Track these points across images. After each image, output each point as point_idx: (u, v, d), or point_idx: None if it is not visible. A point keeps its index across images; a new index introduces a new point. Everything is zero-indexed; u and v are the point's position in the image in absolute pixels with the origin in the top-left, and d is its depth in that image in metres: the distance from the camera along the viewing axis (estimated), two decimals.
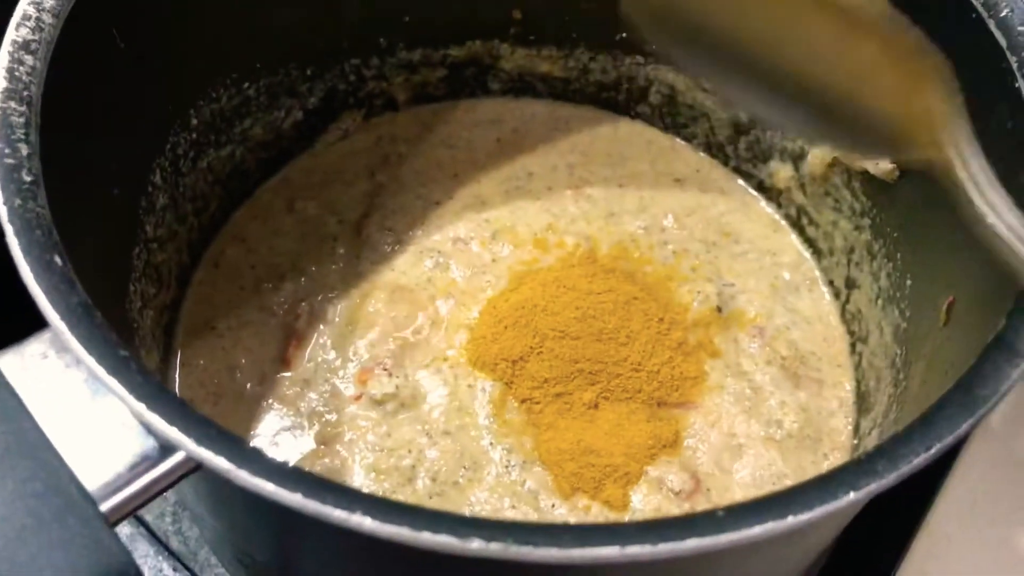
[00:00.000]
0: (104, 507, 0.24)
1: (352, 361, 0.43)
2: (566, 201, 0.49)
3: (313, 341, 0.44)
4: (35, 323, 0.27)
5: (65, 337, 0.24)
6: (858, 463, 0.24)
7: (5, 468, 0.24)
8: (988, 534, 0.48)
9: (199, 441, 0.23)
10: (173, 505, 0.45)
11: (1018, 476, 0.50)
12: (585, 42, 0.49)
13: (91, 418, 0.26)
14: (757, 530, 0.22)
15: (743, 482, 0.41)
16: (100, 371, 0.23)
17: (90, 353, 0.24)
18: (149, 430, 0.26)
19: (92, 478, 0.25)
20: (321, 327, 0.44)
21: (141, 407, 0.23)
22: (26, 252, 0.25)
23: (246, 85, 0.43)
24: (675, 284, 0.46)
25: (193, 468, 0.25)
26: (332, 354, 0.43)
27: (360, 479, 0.40)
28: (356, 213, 0.48)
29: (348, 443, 0.41)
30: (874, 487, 0.23)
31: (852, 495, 0.23)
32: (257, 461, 0.23)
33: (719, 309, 0.45)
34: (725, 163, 0.50)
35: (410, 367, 0.43)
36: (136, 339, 0.37)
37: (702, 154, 0.50)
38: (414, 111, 0.51)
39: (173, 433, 0.23)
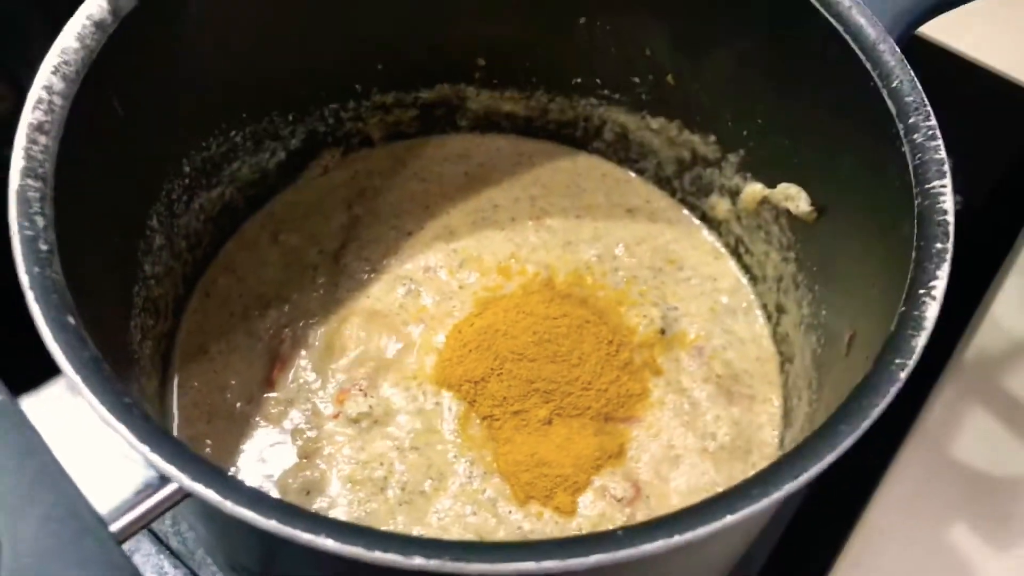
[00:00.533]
0: (114, 528, 0.29)
1: (331, 382, 0.48)
2: (528, 231, 0.54)
3: (295, 364, 0.48)
4: (50, 368, 0.32)
5: (79, 388, 0.29)
6: (738, 489, 0.29)
7: (32, 498, 0.29)
8: (922, 530, 0.53)
9: (192, 477, 0.28)
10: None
11: (950, 476, 0.55)
12: (544, 85, 0.53)
13: (100, 452, 0.31)
14: (649, 547, 0.27)
15: (679, 490, 0.46)
16: (110, 418, 0.28)
17: (101, 402, 0.29)
18: (151, 465, 0.31)
19: (103, 503, 0.30)
20: (303, 351, 0.49)
21: (144, 448, 0.28)
22: (45, 314, 0.30)
23: (233, 133, 0.48)
24: (624, 308, 0.50)
25: (187, 495, 0.30)
26: (312, 376, 0.48)
27: (337, 489, 0.45)
28: (335, 244, 0.52)
29: (327, 457, 0.46)
30: (748, 511, 0.28)
31: (729, 518, 0.28)
32: (239, 491, 0.28)
33: (663, 331, 0.50)
34: (672, 195, 0.55)
35: (383, 387, 0.48)
36: (137, 368, 0.42)
37: (652, 186, 0.55)
38: (388, 147, 0.56)
39: (171, 471, 0.28)
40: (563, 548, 0.27)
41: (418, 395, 0.47)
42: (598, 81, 0.52)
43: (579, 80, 0.53)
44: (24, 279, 0.31)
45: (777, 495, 0.29)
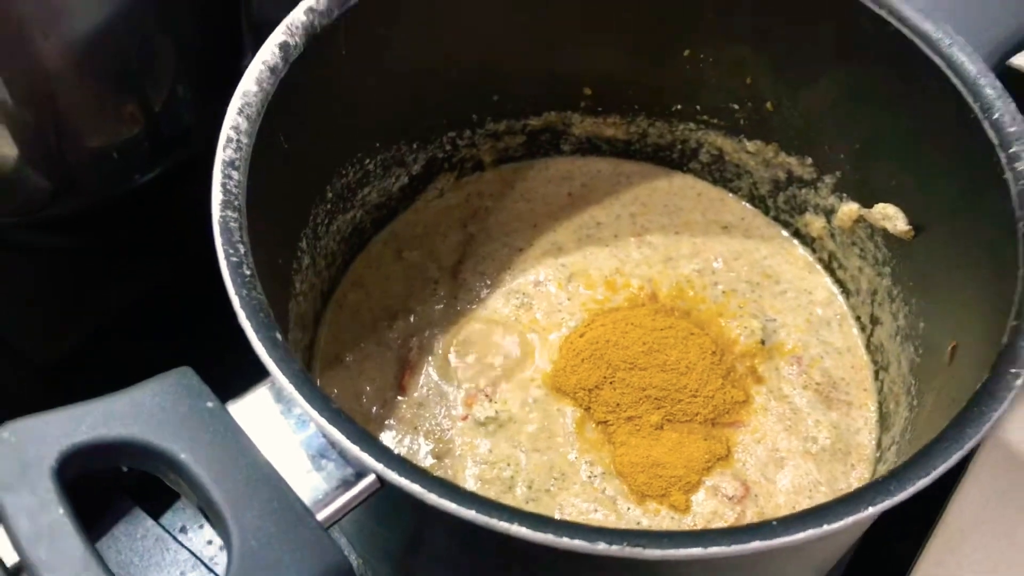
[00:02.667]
0: (320, 517, 0.34)
1: (457, 388, 0.52)
2: (630, 247, 0.57)
3: (423, 370, 0.53)
4: (252, 376, 0.36)
5: (295, 398, 0.33)
6: (875, 485, 0.33)
7: (251, 492, 0.33)
8: (998, 531, 0.55)
9: (399, 473, 0.32)
10: None
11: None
12: (645, 112, 0.57)
13: (300, 452, 0.35)
14: (800, 536, 0.31)
15: (784, 489, 0.49)
16: (322, 421, 0.32)
17: (313, 407, 0.33)
18: (347, 460, 0.35)
19: (308, 496, 0.34)
20: (429, 358, 0.53)
21: (355, 448, 0.32)
22: (257, 332, 0.34)
23: (367, 161, 0.52)
24: (725, 320, 0.54)
25: (378, 489, 0.35)
26: (439, 381, 0.52)
27: (470, 486, 0.49)
28: (452, 260, 0.57)
29: (458, 457, 0.50)
30: (887, 503, 0.32)
31: (870, 509, 0.31)
32: (439, 484, 0.32)
33: (763, 342, 0.53)
34: (766, 213, 0.58)
35: (505, 393, 0.51)
36: None
37: (746, 205, 0.59)
38: (497, 171, 0.60)
39: (378, 467, 0.32)
40: (726, 536, 0.31)
41: (537, 401, 0.51)
42: (698, 108, 0.56)
43: (679, 107, 0.56)
44: (235, 300, 0.35)
45: (917, 486, 0.32)
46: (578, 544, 0.30)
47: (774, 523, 0.31)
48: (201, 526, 0.60)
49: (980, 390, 0.35)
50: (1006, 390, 0.34)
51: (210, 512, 0.33)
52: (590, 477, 0.49)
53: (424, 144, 0.55)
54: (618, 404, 0.50)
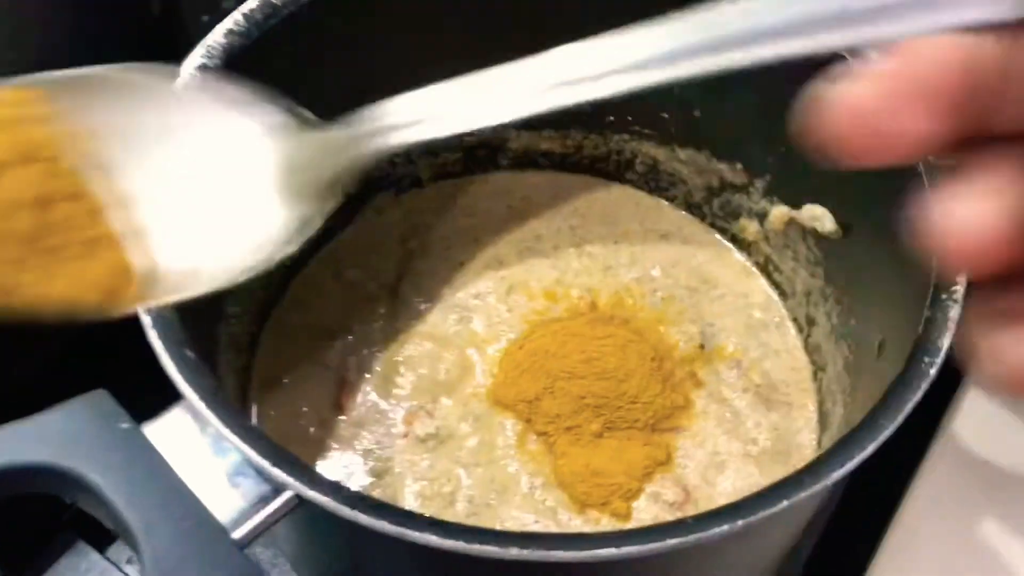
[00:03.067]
0: (236, 535, 0.33)
1: (397, 405, 0.51)
2: (570, 258, 0.57)
3: (362, 389, 0.52)
4: (167, 397, 0.36)
5: (204, 413, 0.33)
6: (790, 479, 0.33)
7: (164, 513, 0.33)
8: (954, 528, 0.56)
9: (310, 486, 0.31)
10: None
11: (979, 474, 0.58)
12: (579, 125, 0.57)
13: (217, 470, 0.35)
14: (715, 531, 0.31)
15: (726, 492, 0.49)
16: (233, 438, 0.32)
17: (224, 424, 0.32)
18: (264, 477, 0.34)
19: (224, 514, 0.34)
20: (367, 376, 0.53)
21: (265, 463, 0.32)
22: (167, 349, 0.34)
23: None
24: (664, 327, 0.54)
25: (296, 505, 0.34)
26: (378, 399, 0.52)
27: (411, 503, 0.48)
28: (392, 277, 0.56)
29: (398, 475, 0.49)
30: (802, 495, 0.32)
31: (784, 503, 0.31)
32: (351, 496, 0.31)
33: (702, 346, 0.53)
34: (703, 220, 0.58)
35: (445, 409, 0.51)
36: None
37: (683, 212, 0.59)
38: (436, 186, 0.60)
39: (290, 481, 0.31)
40: (641, 535, 0.31)
41: (478, 415, 0.51)
42: (629, 118, 0.56)
43: (612, 118, 0.57)
44: (146, 319, 0.35)
45: (827, 481, 0.32)
46: (490, 550, 0.30)
47: (689, 521, 0.31)
48: None
49: (896, 380, 0.35)
50: (920, 379, 0.35)
51: (124, 535, 0.33)
52: (531, 488, 0.49)
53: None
54: (558, 415, 0.50)
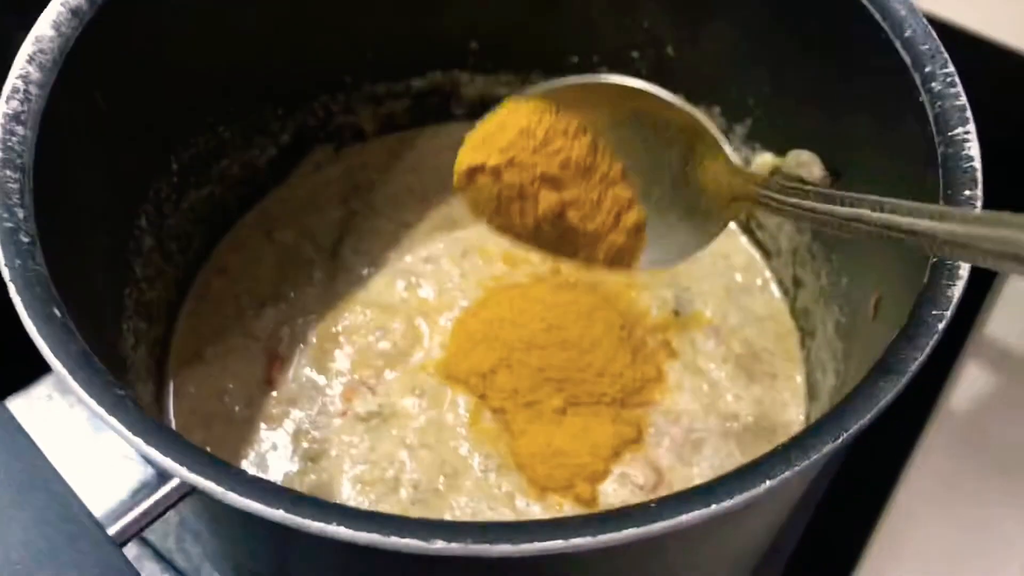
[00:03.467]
0: (112, 531, 0.27)
1: (334, 380, 0.46)
2: None
3: (295, 362, 0.47)
4: (39, 367, 0.30)
5: (68, 382, 0.27)
6: (774, 454, 0.27)
7: (22, 501, 0.27)
8: (951, 510, 0.51)
9: (192, 468, 0.26)
10: (176, 526, 0.48)
11: (976, 453, 0.54)
12: (540, 66, 0.52)
13: (95, 451, 0.29)
14: (685, 518, 0.25)
15: (703, 474, 0.44)
16: (100, 411, 0.26)
17: (91, 395, 0.27)
18: (147, 460, 0.29)
19: (99, 505, 0.28)
20: (302, 347, 0.47)
21: (139, 441, 0.26)
22: (28, 307, 0.28)
23: (221, 128, 0.46)
24: (635, 292, 0.49)
25: (187, 492, 0.28)
26: (313, 374, 0.46)
27: (347, 491, 0.43)
28: (331, 238, 0.51)
29: (334, 458, 0.44)
30: (787, 474, 0.26)
31: (767, 483, 0.26)
32: (243, 483, 0.26)
33: (676, 312, 0.48)
34: None
35: (390, 384, 0.46)
36: (131, 374, 0.40)
37: None
38: (382, 140, 0.54)
39: (168, 463, 0.26)
40: (593, 523, 0.25)
41: (426, 391, 0.45)
42: (595, 59, 0.51)
43: (576, 59, 0.51)
44: (5, 272, 0.29)
45: (816, 457, 0.27)
46: (410, 543, 0.25)
47: (652, 504, 0.26)
48: None
49: (898, 337, 0.29)
50: (927, 334, 0.29)
51: None
52: (484, 472, 0.43)
53: (290, 110, 0.49)
54: (515, 389, 0.44)
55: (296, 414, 0.45)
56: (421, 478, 0.43)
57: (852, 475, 0.53)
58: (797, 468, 0.26)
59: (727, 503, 0.26)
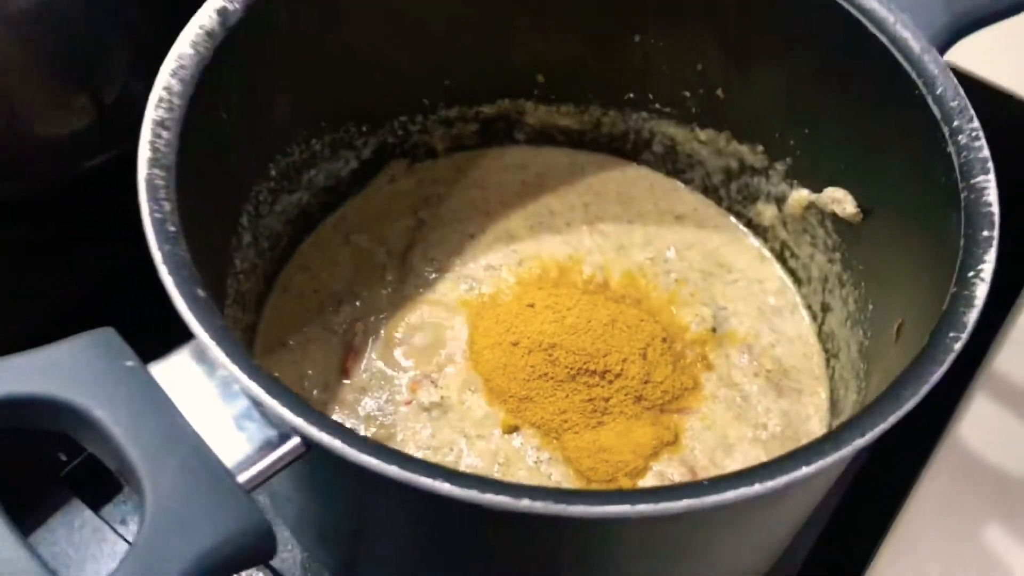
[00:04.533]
0: (240, 479, 0.32)
1: (401, 372, 0.51)
2: (583, 235, 0.57)
3: (367, 355, 0.51)
4: (168, 339, 0.35)
5: (214, 353, 0.32)
6: (809, 446, 0.32)
7: (169, 449, 0.32)
8: (957, 531, 0.55)
9: (319, 427, 0.31)
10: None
11: (983, 478, 0.57)
12: (599, 100, 0.57)
13: (223, 414, 0.34)
14: (730, 494, 0.30)
15: None
16: (242, 376, 0.31)
17: (234, 363, 0.32)
18: (270, 422, 0.34)
19: (230, 457, 0.33)
20: (373, 343, 0.52)
21: (274, 402, 0.31)
22: (178, 287, 0.33)
23: (314, 142, 0.51)
24: (676, 308, 0.53)
25: (302, 452, 0.33)
26: (384, 366, 0.51)
27: None
28: (402, 245, 0.56)
29: (400, 442, 0.48)
30: (822, 463, 0.31)
31: (804, 469, 0.31)
32: (362, 441, 0.30)
33: (714, 329, 0.53)
34: (719, 203, 0.58)
35: (451, 378, 0.50)
36: None
37: (699, 195, 0.58)
38: (451, 158, 0.59)
39: (299, 422, 0.31)
40: (655, 494, 0.30)
41: (481, 388, 0.50)
42: (650, 96, 0.56)
43: (632, 95, 0.56)
44: (157, 255, 0.34)
45: (845, 450, 0.31)
46: (503, 500, 0.29)
47: (705, 482, 0.30)
48: None
49: (919, 354, 0.34)
50: (944, 353, 0.34)
51: (125, 473, 0.32)
52: (536, 463, 0.48)
53: (374, 128, 0.55)
54: (562, 409, 0.49)
55: (367, 401, 0.50)
56: (478, 464, 0.48)
57: (860, 495, 0.57)
58: (830, 458, 0.31)
59: (770, 483, 0.30)
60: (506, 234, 0.57)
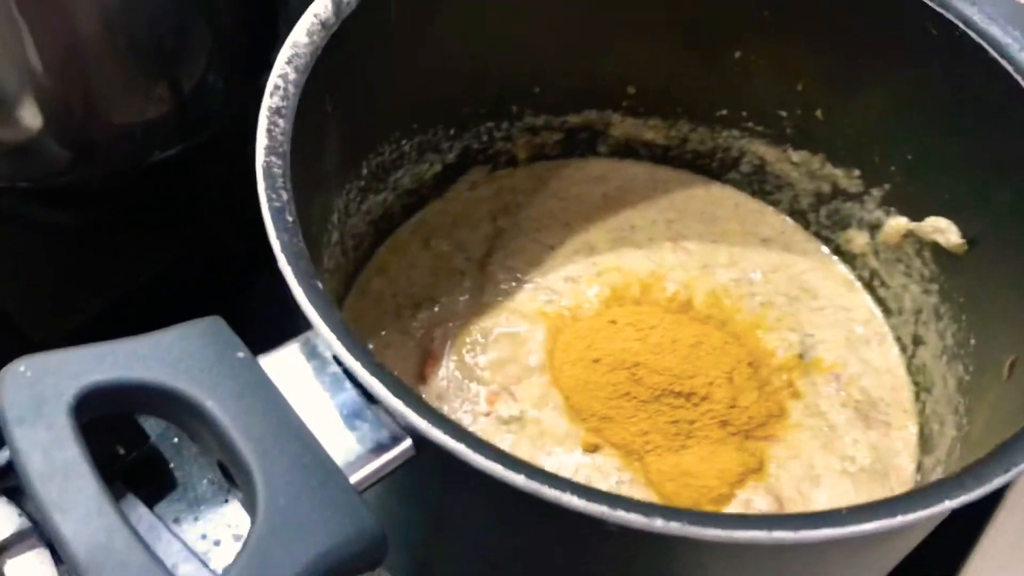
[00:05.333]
0: (352, 480, 0.31)
1: (479, 383, 0.49)
2: (666, 251, 0.55)
3: (445, 362, 0.50)
4: (284, 332, 0.34)
5: (336, 347, 0.31)
6: (950, 480, 0.30)
7: (280, 446, 0.31)
8: None
9: (439, 428, 0.29)
10: None
11: None
12: (688, 115, 0.56)
13: (334, 412, 0.33)
14: (870, 526, 0.29)
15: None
16: (363, 373, 0.30)
17: (355, 357, 0.31)
18: (382, 423, 0.32)
19: (341, 457, 0.32)
20: (452, 350, 0.51)
21: (398, 403, 0.30)
22: (298, 277, 0.32)
23: (404, 142, 0.51)
24: (762, 332, 0.52)
25: (413, 456, 0.32)
26: (462, 374, 0.50)
27: None
28: (480, 252, 0.55)
29: None
30: (964, 498, 0.30)
31: (947, 503, 0.29)
32: (487, 448, 0.29)
33: (801, 356, 0.51)
34: (806, 227, 0.56)
35: (531, 391, 0.49)
36: None
37: (786, 218, 0.57)
38: (531, 167, 0.58)
39: (417, 420, 0.29)
40: (792, 521, 0.29)
41: (561, 405, 0.49)
42: (743, 114, 0.54)
43: (724, 112, 0.55)
44: (276, 244, 0.33)
45: (989, 486, 0.30)
46: (634, 519, 0.28)
47: (843, 511, 0.29)
48: (196, 518, 0.56)
49: None
50: None
51: (234, 466, 0.31)
52: (618, 483, 0.47)
53: (460, 132, 0.54)
54: (648, 412, 0.48)
55: (446, 409, 0.48)
56: None
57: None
58: (965, 496, 0.30)
59: (910, 516, 0.29)
60: (586, 247, 0.55)
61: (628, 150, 0.59)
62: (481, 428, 0.48)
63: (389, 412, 0.31)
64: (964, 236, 0.47)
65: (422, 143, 0.52)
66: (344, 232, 0.48)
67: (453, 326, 0.51)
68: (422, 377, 0.50)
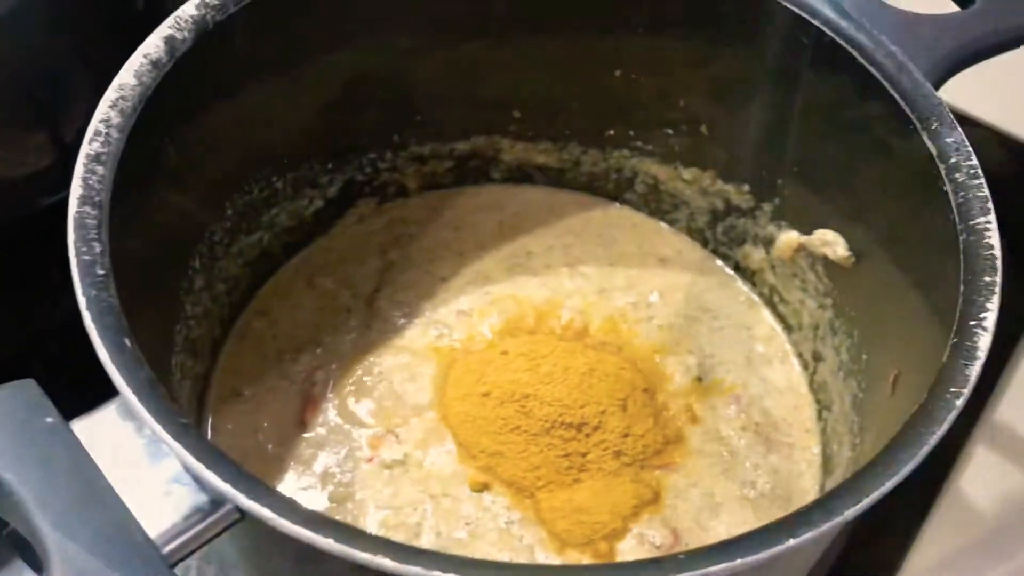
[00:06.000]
0: (164, 551, 0.29)
1: (363, 426, 0.47)
2: (562, 277, 0.54)
3: (328, 406, 0.48)
4: (101, 394, 0.32)
5: (136, 408, 0.29)
6: (797, 515, 0.29)
7: (83, 516, 0.28)
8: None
9: (249, 495, 0.27)
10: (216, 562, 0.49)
11: (982, 534, 0.54)
12: (578, 137, 0.54)
13: (151, 476, 0.31)
14: (707, 570, 0.27)
15: (719, 537, 0.44)
16: (166, 436, 0.28)
17: (157, 421, 0.28)
18: (202, 486, 0.30)
19: (153, 526, 0.29)
20: (333, 394, 0.48)
21: (200, 467, 0.28)
22: (102, 335, 0.30)
23: (275, 179, 0.49)
24: (660, 356, 0.50)
25: (238, 519, 0.30)
26: (344, 419, 0.48)
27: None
28: (369, 288, 0.53)
29: (359, 502, 0.45)
30: (811, 535, 0.28)
31: (792, 541, 0.27)
32: (296, 511, 0.27)
33: (700, 379, 0.50)
34: (704, 245, 0.55)
35: (416, 433, 0.47)
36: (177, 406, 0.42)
37: (684, 237, 0.56)
38: (423, 197, 0.56)
39: (227, 489, 0.27)
40: (626, 570, 0.27)
41: (449, 443, 0.47)
42: (631, 133, 0.53)
43: (612, 132, 0.53)
44: (82, 300, 0.31)
45: (837, 520, 0.28)
46: None
47: (681, 556, 0.27)
48: None
49: (917, 412, 0.31)
50: (945, 411, 0.31)
51: (33, 541, 0.29)
52: (507, 524, 0.45)
53: (340, 165, 0.52)
54: (538, 446, 0.46)
55: (324, 457, 0.46)
56: (444, 527, 0.44)
57: (860, 550, 0.54)
58: (820, 529, 0.28)
59: (751, 558, 0.27)
60: (480, 276, 0.54)
61: (524, 175, 0.57)
62: (362, 475, 0.46)
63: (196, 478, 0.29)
64: (851, 249, 0.46)
65: (296, 179, 0.50)
66: (211, 276, 0.46)
67: (337, 367, 0.49)
68: (303, 423, 0.47)
